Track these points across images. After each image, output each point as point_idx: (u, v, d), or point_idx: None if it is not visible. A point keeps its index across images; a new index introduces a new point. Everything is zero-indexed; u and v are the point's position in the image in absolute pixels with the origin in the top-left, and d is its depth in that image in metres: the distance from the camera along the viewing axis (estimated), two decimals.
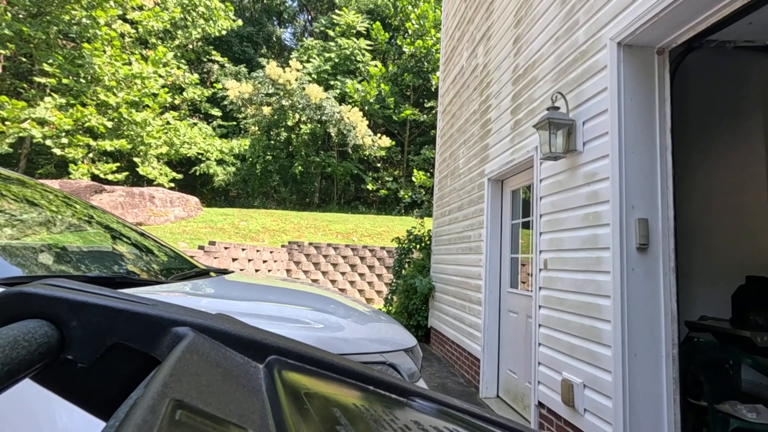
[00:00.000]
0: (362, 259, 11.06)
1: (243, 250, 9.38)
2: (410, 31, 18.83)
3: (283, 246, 11.04)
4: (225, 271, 2.05)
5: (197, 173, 18.60)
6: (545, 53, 3.13)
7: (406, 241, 6.53)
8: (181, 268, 1.84)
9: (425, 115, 19.44)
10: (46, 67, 10.33)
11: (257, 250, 9.75)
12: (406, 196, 18.98)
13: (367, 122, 17.47)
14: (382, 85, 18.45)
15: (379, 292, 10.74)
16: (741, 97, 3.61)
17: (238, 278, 1.85)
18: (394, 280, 6.62)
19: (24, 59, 11.64)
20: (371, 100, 18.45)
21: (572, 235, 2.60)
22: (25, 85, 11.83)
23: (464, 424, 0.41)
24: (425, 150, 19.13)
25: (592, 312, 2.35)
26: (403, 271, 6.21)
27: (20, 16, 10.37)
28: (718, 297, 3.33)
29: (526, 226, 3.73)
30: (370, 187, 19.16)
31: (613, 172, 2.23)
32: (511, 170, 3.73)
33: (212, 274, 1.90)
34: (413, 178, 18.43)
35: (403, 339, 1.53)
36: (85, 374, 0.33)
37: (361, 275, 10.93)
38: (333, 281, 10.80)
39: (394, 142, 18.87)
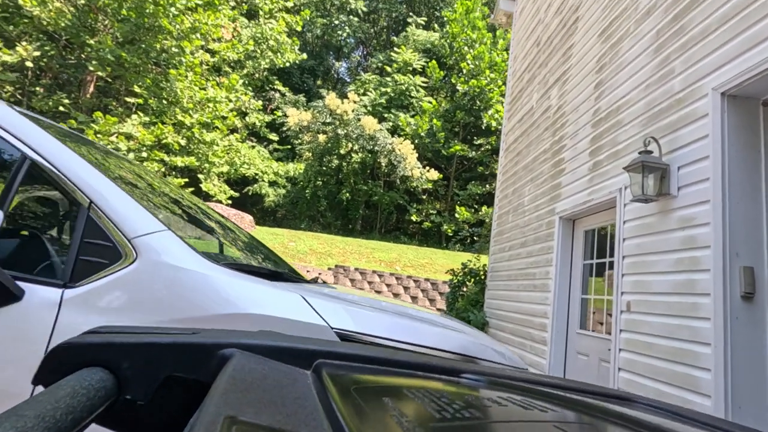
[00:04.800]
0: (406, 288, 11.07)
1: None
2: (465, 71, 19.35)
3: (329, 269, 11.27)
4: (324, 282, 2.21)
5: (250, 192, 19.54)
6: (633, 99, 3.21)
7: (461, 274, 6.54)
8: (297, 274, 2.01)
9: (474, 152, 19.61)
10: (136, 89, 11.41)
11: (307, 271, 10.01)
12: (449, 230, 18.95)
13: (416, 155, 17.85)
14: (434, 121, 18.89)
15: None
16: None
17: (345, 288, 1.99)
18: (447, 312, 6.59)
19: (110, 80, 12.98)
20: (422, 134, 18.89)
21: (663, 278, 2.58)
22: (114, 103, 13.10)
23: (516, 391, 0.41)
24: (471, 185, 19.18)
25: (686, 359, 2.30)
26: (457, 304, 6.20)
27: (119, 41, 11.65)
28: None
29: (600, 267, 3.69)
30: (414, 218, 19.31)
31: (715, 218, 2.24)
32: (587, 210, 3.75)
33: (321, 280, 2.05)
34: (456, 214, 18.43)
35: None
36: (146, 409, 0.35)
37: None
38: None
39: (441, 176, 19.08)
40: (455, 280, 6.67)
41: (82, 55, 12.63)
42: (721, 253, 2.17)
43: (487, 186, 18.56)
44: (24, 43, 10.91)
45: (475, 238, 17.75)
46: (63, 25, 11.34)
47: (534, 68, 5.70)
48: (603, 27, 3.86)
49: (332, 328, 0.95)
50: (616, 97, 3.45)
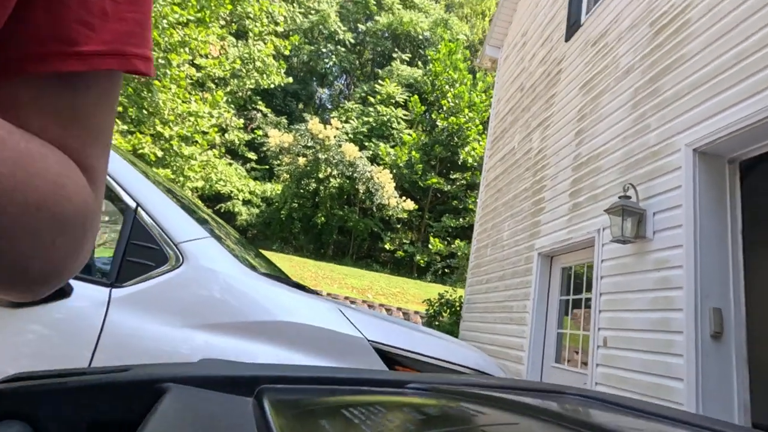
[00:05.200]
0: None
1: None
2: (445, 108, 20.12)
3: None
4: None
5: (222, 210, 19.16)
6: (612, 148, 3.49)
7: (437, 304, 6.62)
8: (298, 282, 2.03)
9: (449, 186, 20.12)
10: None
11: None
12: (422, 261, 19.12)
13: (394, 184, 18.15)
14: (413, 152, 19.38)
15: None
16: None
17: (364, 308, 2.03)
18: None
19: None
20: (401, 165, 19.29)
21: (639, 316, 2.75)
22: None
23: (456, 396, 0.41)
24: (445, 218, 19.56)
25: (661, 393, 2.44)
26: None
27: None
28: None
29: (577, 303, 3.87)
30: (387, 246, 19.40)
31: (687, 261, 2.44)
32: (565, 248, 3.95)
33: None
34: (430, 245, 18.67)
35: None
36: None
37: None
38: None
39: (416, 207, 19.40)
40: (431, 310, 6.73)
41: None
42: (693, 294, 2.36)
43: (461, 220, 18.97)
44: None
45: (446, 270, 17.97)
46: None
47: (517, 111, 6.06)
48: (585, 80, 4.20)
49: (369, 341, 1.00)
50: (596, 145, 3.73)
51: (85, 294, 0.92)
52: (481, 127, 20.06)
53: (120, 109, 11.33)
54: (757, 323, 3.57)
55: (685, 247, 2.49)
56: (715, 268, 2.40)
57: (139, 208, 1.04)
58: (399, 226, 20.80)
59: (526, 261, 4.63)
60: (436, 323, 6.49)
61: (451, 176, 20.18)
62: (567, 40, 4.82)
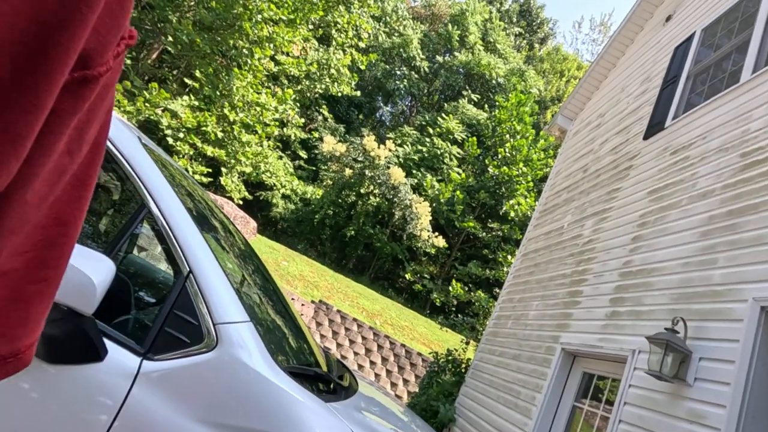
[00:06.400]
0: (380, 347, 10.82)
1: None
2: (500, 156, 19.95)
3: (313, 302, 11.10)
4: (343, 365, 2.18)
5: (261, 197, 19.68)
6: (668, 269, 3.28)
7: (443, 359, 6.42)
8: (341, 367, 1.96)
9: (485, 233, 19.80)
10: (197, 74, 11.83)
11: (292, 298, 9.87)
12: (438, 300, 18.77)
13: (430, 218, 18.06)
14: (458, 192, 19.26)
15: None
16: None
17: (371, 393, 1.96)
18: (418, 393, 6.41)
19: (176, 57, 13.50)
20: (442, 201, 19.20)
21: None
22: (171, 77, 13.55)
23: None
24: (472, 264, 19.20)
25: None
26: (430, 390, 6.04)
27: (197, 25, 12.23)
28: None
29: (590, 415, 3.62)
30: (407, 276, 19.22)
31: (727, 429, 2.22)
32: (593, 354, 3.73)
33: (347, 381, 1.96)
34: (450, 287, 18.34)
35: None
36: None
37: (372, 363, 10.62)
38: (344, 357, 10.54)
39: (446, 245, 19.17)
40: (437, 363, 6.53)
41: (159, 25, 13.24)
42: None
43: (488, 271, 18.56)
44: None
45: (459, 317, 17.52)
46: None
47: (574, 192, 5.88)
48: (655, 186, 4.02)
49: None
50: (652, 259, 3.53)
51: (115, 360, 0.92)
52: (531, 184, 19.73)
53: (196, 85, 11.97)
54: None
55: (728, 409, 2.27)
56: None
57: (191, 275, 1.04)
58: (424, 259, 20.61)
59: (546, 351, 4.41)
60: (438, 380, 6.28)
61: (488, 224, 19.87)
62: (645, 138, 4.66)
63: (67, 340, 0.83)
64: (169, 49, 12.21)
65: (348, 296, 14.24)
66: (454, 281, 18.38)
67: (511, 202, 19.27)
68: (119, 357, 0.93)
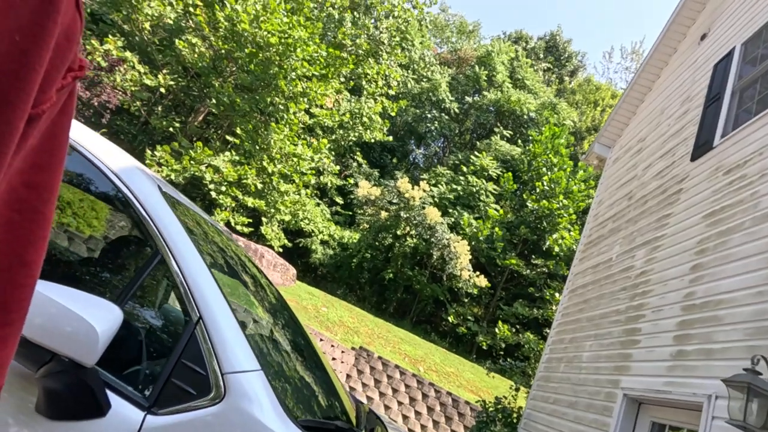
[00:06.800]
0: (425, 396, 10.28)
1: (321, 340, 9.42)
2: (538, 190, 19.47)
3: (353, 349, 10.86)
4: (375, 415, 2.03)
5: (300, 244, 20.05)
6: (739, 300, 2.93)
7: (492, 408, 5.96)
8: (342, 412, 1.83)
9: (528, 270, 18.99)
10: (238, 130, 12.60)
11: (332, 345, 9.70)
12: (484, 343, 17.83)
13: (470, 257, 17.60)
14: (496, 229, 18.80)
15: None
16: None
17: None
18: None
19: (219, 117, 14.50)
20: (481, 239, 18.76)
21: None
22: (215, 136, 14.52)
23: None
24: (518, 304, 18.31)
25: None
26: None
27: (237, 87, 13.17)
28: None
29: None
30: (450, 319, 18.56)
31: None
32: (661, 400, 3.32)
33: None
34: (496, 329, 17.47)
35: None
36: None
37: (418, 414, 10.06)
38: (387, 407, 10.08)
39: (489, 285, 18.49)
40: (486, 412, 6.07)
41: (204, 90, 14.39)
42: None
43: (535, 310, 17.62)
44: (164, 72, 12.69)
45: (508, 361, 16.50)
46: (200, 65, 13.13)
47: (620, 221, 5.54)
48: (710, 209, 3.70)
49: None
50: (717, 290, 3.17)
51: (118, 414, 0.87)
52: (574, 216, 19.00)
53: (237, 141, 12.72)
54: None
55: None
56: None
57: (201, 321, 1.00)
58: (467, 300, 19.92)
59: (606, 397, 3.98)
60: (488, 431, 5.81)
61: (532, 260, 19.09)
62: (693, 159, 4.36)
63: (68, 394, 0.80)
64: (213, 110, 13.18)
65: (389, 341, 13.84)
66: (500, 322, 17.52)
67: (554, 236, 18.53)
68: (123, 411, 0.88)
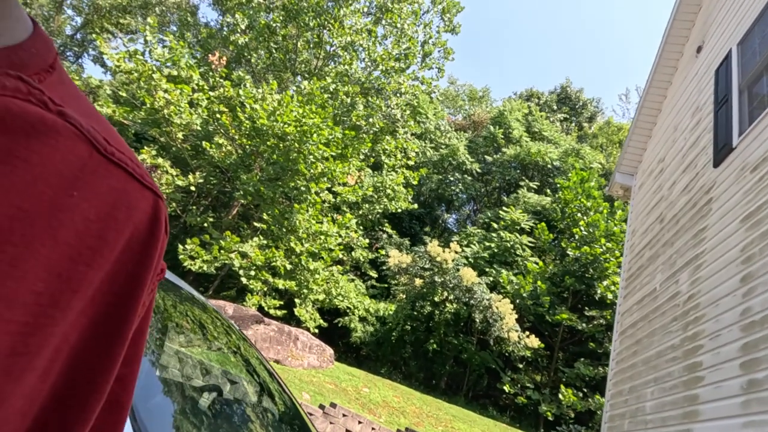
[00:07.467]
0: None
1: (360, 423, 8.69)
2: (577, 236, 18.54)
3: (399, 431, 9.89)
4: None
5: (339, 324, 19.53)
6: None
7: None
8: None
9: (584, 324, 17.40)
10: (265, 216, 13.09)
11: (372, 429, 8.90)
12: (549, 413, 15.89)
13: (516, 316, 16.44)
14: (539, 283, 17.71)
15: None
16: None
17: None
18: None
19: (251, 207, 15.20)
20: (524, 295, 17.66)
21: None
22: (245, 225, 15.13)
23: None
24: (580, 364, 16.53)
25: None
26: None
27: (263, 178, 13.94)
28: None
29: None
30: (507, 389, 16.89)
31: None
32: None
33: None
34: (560, 395, 15.65)
35: None
36: None
37: None
38: None
39: (543, 345, 16.96)
40: None
41: (234, 184, 15.35)
42: None
43: (600, 368, 15.82)
44: (196, 173, 13.74)
45: (563, 427, 14.49)
46: (228, 162, 14.16)
47: (657, 246, 5.03)
48: (747, 212, 3.27)
49: None
50: None
51: None
52: (621, 259, 17.72)
53: (264, 226, 13.16)
54: None
55: None
56: None
57: None
58: (522, 365, 18.26)
59: None
60: None
61: (586, 313, 17.57)
62: (716, 165, 4.00)
63: None
64: (242, 201, 13.89)
65: (440, 420, 12.58)
66: (563, 387, 15.73)
67: (605, 283, 17.19)
68: None
